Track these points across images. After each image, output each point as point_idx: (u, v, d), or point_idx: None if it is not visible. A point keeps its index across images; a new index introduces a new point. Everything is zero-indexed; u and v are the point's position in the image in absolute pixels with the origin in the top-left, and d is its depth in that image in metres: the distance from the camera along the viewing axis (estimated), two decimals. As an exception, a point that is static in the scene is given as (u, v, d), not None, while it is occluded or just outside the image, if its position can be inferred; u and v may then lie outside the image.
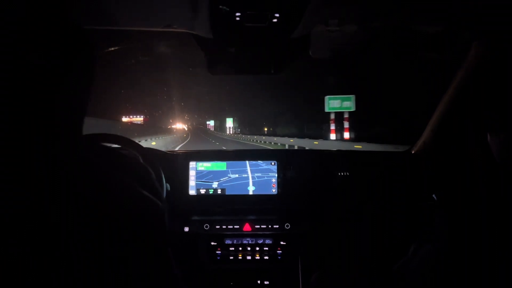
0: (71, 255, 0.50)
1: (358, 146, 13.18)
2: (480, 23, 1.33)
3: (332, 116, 15.92)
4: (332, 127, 16.12)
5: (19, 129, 0.49)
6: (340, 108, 15.63)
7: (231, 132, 64.13)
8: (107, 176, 0.58)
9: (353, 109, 15.59)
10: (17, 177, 0.49)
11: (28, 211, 0.48)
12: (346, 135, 15.64)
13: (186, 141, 30.91)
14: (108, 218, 0.54)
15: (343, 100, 15.62)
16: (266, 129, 47.56)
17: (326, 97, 15.74)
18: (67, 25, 0.56)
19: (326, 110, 15.79)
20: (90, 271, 0.51)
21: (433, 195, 1.63)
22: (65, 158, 0.54)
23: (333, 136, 16.13)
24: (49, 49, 0.52)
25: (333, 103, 15.59)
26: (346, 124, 15.68)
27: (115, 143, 1.18)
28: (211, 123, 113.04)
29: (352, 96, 15.61)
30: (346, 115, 15.72)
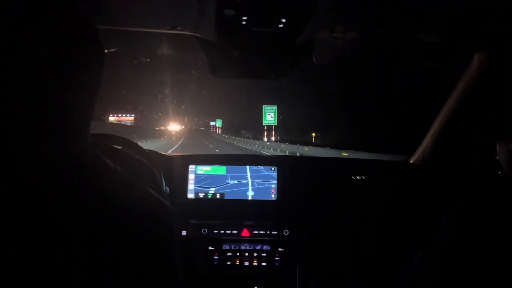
0: (71, 255, 0.49)
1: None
2: (482, 33, 1.34)
3: None
4: None
5: (22, 128, 0.49)
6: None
7: (272, 138, 31.35)
8: (114, 174, 0.58)
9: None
10: (18, 177, 0.49)
11: (28, 211, 0.48)
12: None
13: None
14: (116, 217, 0.53)
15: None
16: (314, 134, 29.65)
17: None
18: (78, 23, 0.55)
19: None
20: (91, 271, 0.50)
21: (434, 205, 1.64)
22: (71, 158, 0.54)
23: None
24: (62, 46, 0.51)
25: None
26: None
27: (118, 144, 1.17)
28: (217, 123, 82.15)
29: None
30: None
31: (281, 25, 1.20)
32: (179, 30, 1.32)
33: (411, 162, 1.99)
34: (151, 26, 1.33)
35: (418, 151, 1.95)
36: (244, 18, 1.15)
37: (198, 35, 1.35)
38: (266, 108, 30.09)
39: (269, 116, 30.07)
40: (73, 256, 0.49)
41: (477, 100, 1.55)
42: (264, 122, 30.21)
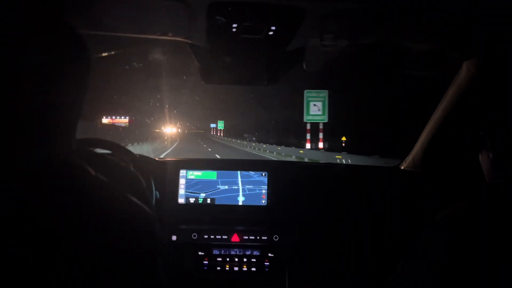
0: (71, 256, 0.49)
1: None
2: (471, 43, 1.36)
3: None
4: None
5: (15, 129, 0.49)
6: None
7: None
8: (95, 182, 0.58)
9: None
10: (14, 176, 0.49)
11: (28, 211, 0.48)
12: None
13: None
14: (95, 226, 0.53)
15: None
16: (344, 139, 21.55)
17: None
18: (64, 28, 0.56)
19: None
20: (89, 272, 0.50)
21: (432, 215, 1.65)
22: (49, 164, 0.54)
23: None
24: (46, 51, 0.52)
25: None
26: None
27: (106, 149, 1.17)
28: (219, 125, 68.29)
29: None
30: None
31: (271, 32, 1.21)
32: (171, 36, 1.33)
33: (402, 168, 2.01)
34: (142, 32, 1.34)
35: (409, 158, 1.97)
36: (234, 25, 1.16)
37: (189, 41, 1.36)
38: (310, 95, 16.21)
39: (315, 108, 16.10)
40: (73, 256, 0.49)
41: (466, 107, 1.58)
42: (307, 118, 16.55)
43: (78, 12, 1.13)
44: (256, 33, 1.22)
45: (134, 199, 0.60)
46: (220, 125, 69.58)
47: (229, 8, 1.09)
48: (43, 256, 0.48)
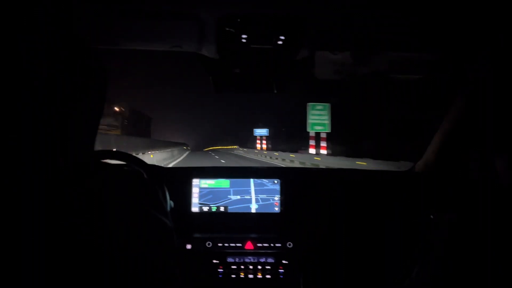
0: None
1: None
2: (475, 48, 1.36)
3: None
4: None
5: (31, 141, 0.51)
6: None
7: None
8: (113, 194, 0.59)
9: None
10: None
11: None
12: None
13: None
14: (114, 236, 0.54)
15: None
16: None
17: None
18: (83, 46, 0.58)
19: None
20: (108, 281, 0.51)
21: (431, 216, 1.64)
22: (75, 173, 0.55)
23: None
24: (66, 68, 0.54)
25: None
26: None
27: (119, 160, 1.20)
28: (319, 121, 19.58)
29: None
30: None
31: (280, 42, 1.23)
32: (182, 49, 1.36)
33: (415, 172, 1.99)
34: (154, 45, 1.37)
35: (422, 161, 1.95)
36: (244, 36, 1.18)
37: (200, 53, 1.39)
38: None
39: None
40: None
41: (478, 109, 1.57)
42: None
43: (91, 27, 1.17)
44: (266, 43, 1.24)
45: (150, 209, 0.61)
46: (322, 117, 22.99)
47: (238, 20, 1.12)
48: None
